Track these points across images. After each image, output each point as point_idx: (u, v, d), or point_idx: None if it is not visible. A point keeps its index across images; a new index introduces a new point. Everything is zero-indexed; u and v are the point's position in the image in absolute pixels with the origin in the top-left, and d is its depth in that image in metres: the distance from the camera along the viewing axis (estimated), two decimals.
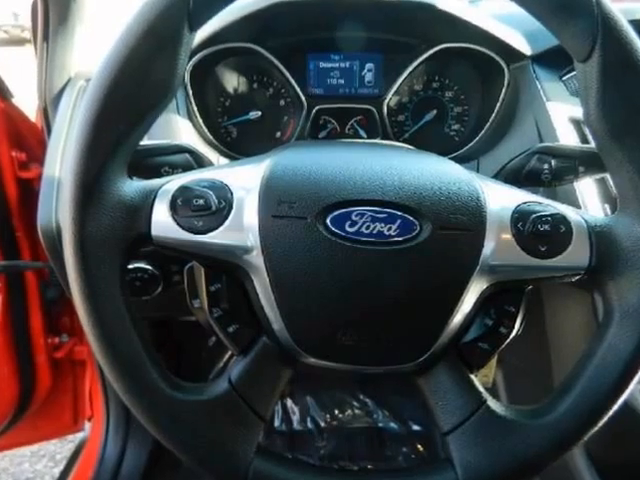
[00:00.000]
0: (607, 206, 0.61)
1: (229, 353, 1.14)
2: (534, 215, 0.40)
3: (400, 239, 0.38)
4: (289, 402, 1.19)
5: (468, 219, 0.39)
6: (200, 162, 0.52)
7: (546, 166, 0.51)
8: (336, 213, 0.38)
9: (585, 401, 0.39)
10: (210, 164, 0.53)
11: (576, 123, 0.64)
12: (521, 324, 0.42)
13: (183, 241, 0.39)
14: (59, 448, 1.42)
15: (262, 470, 0.40)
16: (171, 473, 1.01)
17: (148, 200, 0.39)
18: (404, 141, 0.73)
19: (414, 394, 0.44)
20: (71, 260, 0.37)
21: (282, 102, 0.74)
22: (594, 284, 0.41)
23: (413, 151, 0.52)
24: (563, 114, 0.64)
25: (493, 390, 1.03)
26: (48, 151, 0.65)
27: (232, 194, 0.39)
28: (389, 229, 0.38)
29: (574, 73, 0.66)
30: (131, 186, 0.39)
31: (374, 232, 0.38)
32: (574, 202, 0.59)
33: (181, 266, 0.49)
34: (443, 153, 0.52)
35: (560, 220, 0.40)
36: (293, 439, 1.15)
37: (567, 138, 0.62)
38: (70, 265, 0.37)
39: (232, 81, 0.73)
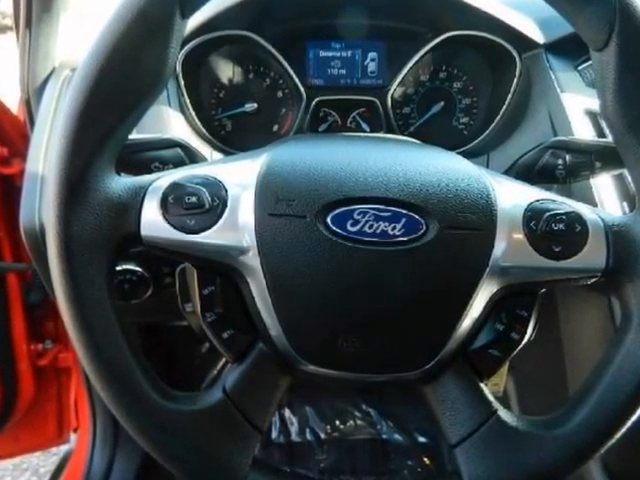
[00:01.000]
0: (625, 204, 0.61)
1: (223, 360, 1.14)
2: (548, 213, 0.40)
3: (405, 239, 0.38)
4: (287, 412, 1.19)
5: (477, 218, 0.39)
6: (192, 157, 0.52)
7: (560, 161, 0.51)
8: (337, 211, 0.38)
9: (602, 411, 0.39)
10: (203, 159, 0.53)
11: (592, 116, 0.64)
12: (534, 329, 0.42)
13: (174, 241, 0.39)
14: (43, 461, 1.42)
15: None
16: None
17: (137, 198, 0.39)
18: (409, 135, 0.73)
19: (420, 404, 0.44)
20: (55, 261, 0.37)
21: (280, 93, 0.74)
22: (611, 287, 0.41)
23: (419, 145, 0.52)
24: (578, 106, 0.64)
25: (504, 399, 1.02)
26: (31, 145, 0.65)
27: (226, 191, 0.39)
28: (393, 228, 0.38)
29: (590, 63, 0.66)
30: (119, 183, 0.39)
31: (377, 231, 0.38)
32: (590, 200, 0.59)
33: (172, 268, 0.49)
34: (451, 147, 0.52)
35: (575, 219, 0.40)
36: (291, 451, 1.15)
37: (583, 131, 0.62)
38: (54, 267, 0.37)
39: (227, 71, 0.73)
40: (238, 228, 0.39)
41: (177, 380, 1.10)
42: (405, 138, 0.63)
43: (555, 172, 0.52)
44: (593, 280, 0.41)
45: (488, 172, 0.43)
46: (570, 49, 0.66)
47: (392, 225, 0.38)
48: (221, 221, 0.39)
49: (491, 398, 0.41)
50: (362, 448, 1.16)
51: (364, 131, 0.74)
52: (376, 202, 0.38)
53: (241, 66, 0.73)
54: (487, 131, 0.72)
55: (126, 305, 0.64)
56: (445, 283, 0.39)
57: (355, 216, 0.38)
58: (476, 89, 0.74)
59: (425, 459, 1.14)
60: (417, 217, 0.38)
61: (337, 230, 0.38)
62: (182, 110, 0.68)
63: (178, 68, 0.68)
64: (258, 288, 0.39)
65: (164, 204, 0.39)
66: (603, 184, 0.61)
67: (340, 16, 0.70)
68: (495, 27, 0.68)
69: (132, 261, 0.62)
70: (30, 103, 0.72)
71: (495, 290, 0.40)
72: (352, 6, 0.68)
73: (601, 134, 0.62)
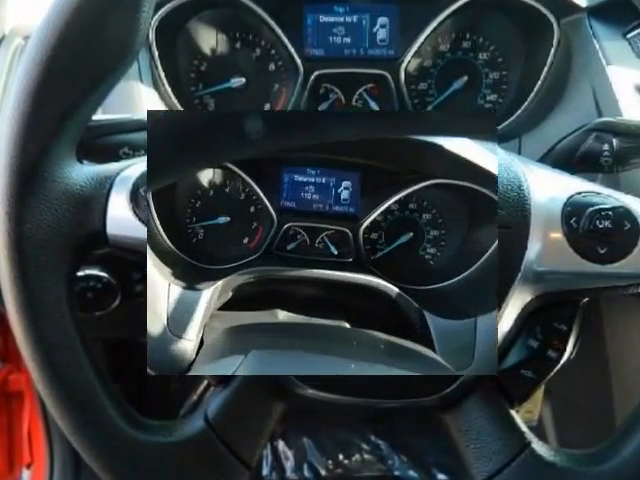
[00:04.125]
0: None
1: (205, 383, 1.14)
2: (591, 209, 0.40)
3: None
4: (281, 445, 1.19)
5: (507, 214, 0.39)
6: None
7: (606, 146, 0.51)
8: None
9: None
10: None
11: None
12: (574, 346, 0.43)
13: (146, 242, 0.39)
14: None
15: None
16: None
17: (103, 189, 0.39)
18: None
19: (439, 435, 0.44)
20: (5, 265, 0.37)
21: (272, 66, 0.74)
22: None
23: None
24: (627, 81, 0.64)
25: (539, 429, 1.03)
26: None
27: None
28: None
29: None
30: (81, 172, 0.39)
31: None
32: None
33: (144, 273, 0.49)
34: None
35: (624, 215, 0.40)
36: None
37: (633, 111, 0.62)
38: (4, 272, 0.37)
39: (209, 40, 0.73)
40: None
41: (150, 406, 1.10)
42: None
43: (600, 159, 0.52)
44: None
45: (520, 159, 0.43)
46: (617, 14, 0.66)
47: None
48: None
49: (524, 428, 0.41)
50: None
51: (371, 109, 0.74)
52: None
53: (226, 34, 0.73)
54: (519, 111, 0.72)
55: (89, 317, 0.65)
56: None
57: None
58: (506, 61, 0.74)
59: None
60: None
61: None
62: (156, 86, 0.68)
63: (151, 36, 0.68)
64: None
65: (134, 197, 0.39)
66: None
67: None
68: None
69: (96, 265, 0.63)
70: None
71: (529, 299, 0.40)
72: None
73: None
